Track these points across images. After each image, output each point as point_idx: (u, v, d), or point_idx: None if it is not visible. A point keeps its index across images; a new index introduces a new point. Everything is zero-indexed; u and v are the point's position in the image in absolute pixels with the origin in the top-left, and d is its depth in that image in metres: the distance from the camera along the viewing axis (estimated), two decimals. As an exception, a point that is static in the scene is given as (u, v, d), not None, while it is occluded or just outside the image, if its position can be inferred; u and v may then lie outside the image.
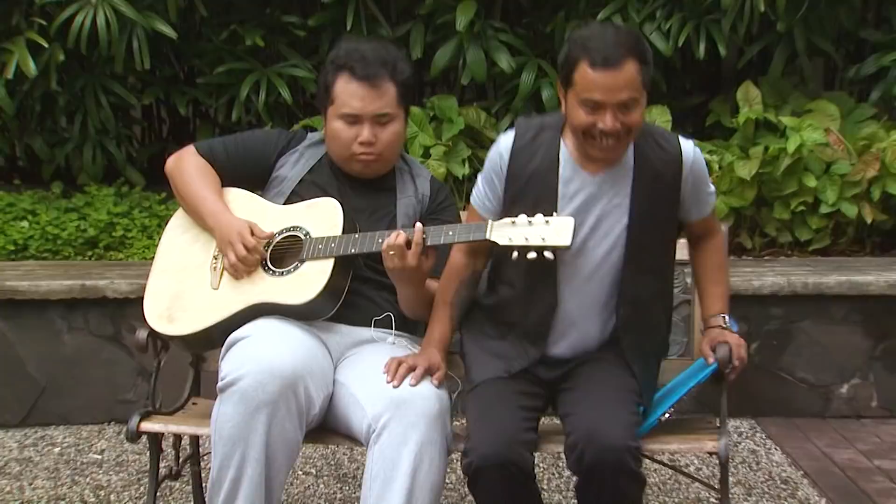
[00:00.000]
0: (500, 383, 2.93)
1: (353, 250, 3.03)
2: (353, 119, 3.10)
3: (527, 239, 2.81)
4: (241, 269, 3.07)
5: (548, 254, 2.77)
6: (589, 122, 2.69)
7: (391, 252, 2.91)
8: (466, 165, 5.35)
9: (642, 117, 2.82)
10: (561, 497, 4.07)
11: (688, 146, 2.92)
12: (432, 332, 3.00)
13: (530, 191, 2.88)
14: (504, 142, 2.94)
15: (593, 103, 2.68)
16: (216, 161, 3.30)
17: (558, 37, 5.78)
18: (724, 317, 2.91)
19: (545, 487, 4.13)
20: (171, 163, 3.36)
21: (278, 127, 5.44)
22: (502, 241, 2.86)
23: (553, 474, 4.22)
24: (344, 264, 3.07)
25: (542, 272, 2.89)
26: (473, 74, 5.58)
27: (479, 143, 5.55)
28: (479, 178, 3.05)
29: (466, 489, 3.29)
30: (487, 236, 2.88)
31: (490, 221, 2.90)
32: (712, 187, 3.07)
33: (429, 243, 2.94)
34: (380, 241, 2.97)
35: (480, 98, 5.96)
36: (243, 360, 2.89)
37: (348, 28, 5.61)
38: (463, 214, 3.31)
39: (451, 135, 5.36)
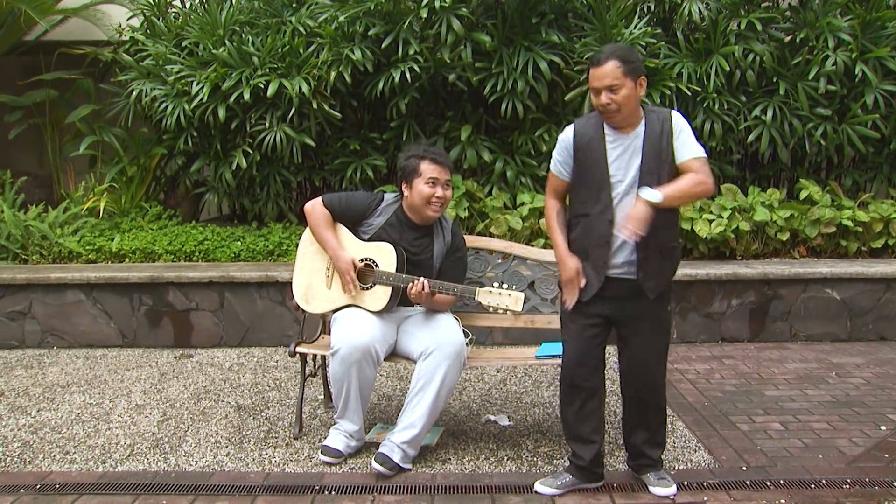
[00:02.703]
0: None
1: (400, 284, 3.64)
2: (434, 182, 3.69)
3: (498, 304, 3.50)
4: (347, 282, 3.70)
5: (510, 310, 3.50)
6: (595, 101, 3.12)
7: (411, 293, 3.60)
8: (466, 211, 6.10)
9: (631, 94, 3.06)
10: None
11: (675, 113, 3.18)
12: (561, 246, 3.25)
13: (591, 151, 3.17)
14: (568, 132, 3.25)
15: (594, 89, 3.11)
16: (332, 210, 3.81)
17: (516, 143, 6.42)
18: (650, 190, 3.00)
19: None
20: (308, 208, 3.85)
21: (365, 189, 6.04)
22: (484, 302, 3.53)
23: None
24: (396, 290, 3.69)
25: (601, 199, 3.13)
26: (470, 163, 6.28)
27: (473, 199, 6.27)
28: (554, 156, 3.30)
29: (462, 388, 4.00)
30: (476, 297, 3.55)
31: (476, 289, 3.54)
32: (699, 147, 3.14)
33: (433, 289, 3.61)
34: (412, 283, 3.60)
35: (473, 175, 6.55)
36: (340, 338, 3.55)
37: (404, 139, 6.36)
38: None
39: (458, 195, 6.10)
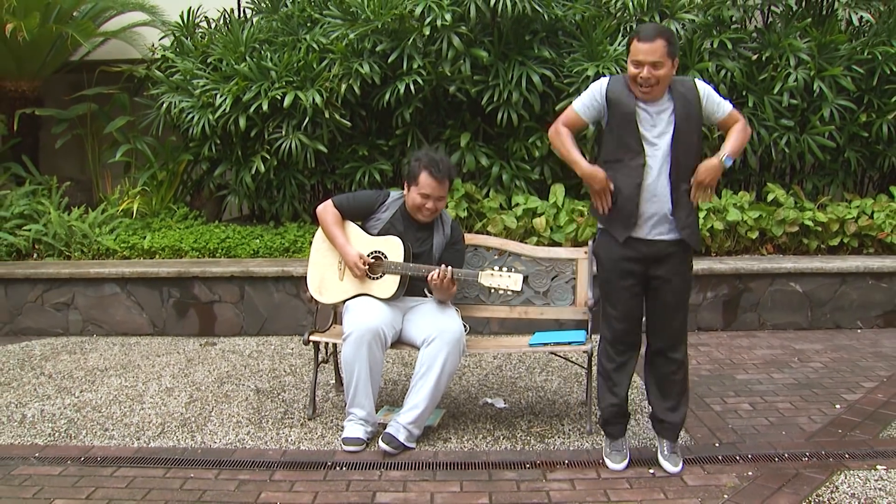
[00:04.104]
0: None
1: (410, 273, 3.62)
2: (426, 196, 3.67)
3: (499, 284, 3.49)
4: (356, 274, 3.69)
5: (510, 290, 3.49)
6: (634, 72, 2.97)
7: (433, 282, 3.56)
8: (465, 211, 6.03)
9: (668, 73, 2.96)
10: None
11: (700, 82, 3.11)
12: (582, 162, 3.13)
13: (622, 107, 3.05)
14: (602, 82, 3.14)
15: (636, 62, 2.96)
16: (341, 209, 3.80)
17: (511, 149, 6.34)
18: (722, 156, 3.02)
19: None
20: (320, 209, 3.83)
21: (374, 189, 5.90)
22: (486, 283, 3.50)
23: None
24: (404, 278, 3.66)
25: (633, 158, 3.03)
26: (469, 167, 6.24)
27: (472, 200, 6.17)
28: (584, 95, 3.16)
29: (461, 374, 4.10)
30: (479, 280, 3.51)
31: (479, 272, 3.49)
32: (727, 102, 3.12)
33: (455, 277, 3.57)
34: (424, 271, 3.57)
35: (472, 178, 6.47)
36: (351, 323, 3.53)
37: (408, 146, 6.30)
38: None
39: (457, 196, 6.06)
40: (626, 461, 3.31)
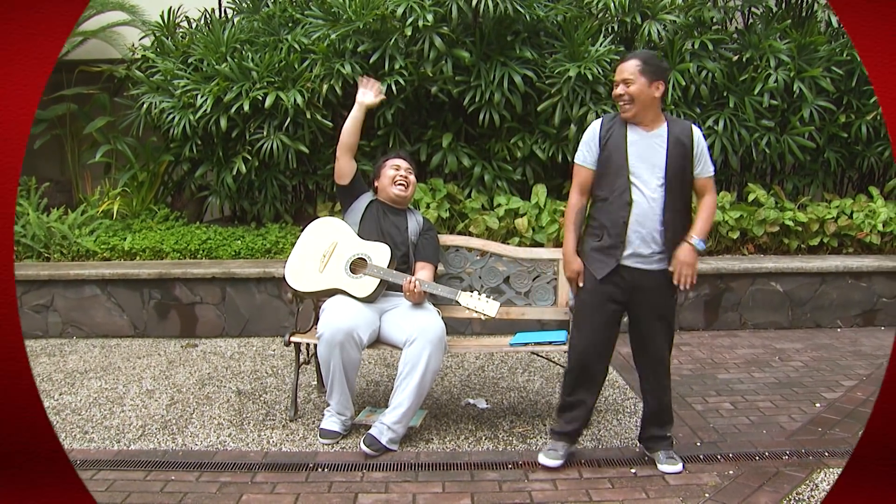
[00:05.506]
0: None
1: (389, 279, 3.68)
2: (397, 167, 3.94)
3: (475, 307, 3.54)
4: (367, 88, 3.94)
5: (485, 314, 3.51)
6: (613, 93, 3.17)
7: (406, 291, 3.64)
8: (447, 212, 6.05)
9: (641, 90, 3.04)
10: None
11: (695, 127, 3.19)
12: (570, 245, 3.20)
13: (613, 140, 3.14)
14: (595, 125, 3.21)
15: (615, 83, 3.15)
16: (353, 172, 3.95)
17: (493, 149, 6.34)
18: (693, 238, 3.09)
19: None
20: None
21: None
22: (462, 301, 3.56)
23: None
24: (382, 283, 3.70)
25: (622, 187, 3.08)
26: (451, 168, 6.23)
27: (454, 201, 6.19)
28: (581, 148, 3.23)
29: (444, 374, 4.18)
30: (456, 298, 3.56)
31: (459, 291, 3.55)
32: (712, 166, 3.20)
33: (424, 289, 3.65)
34: (402, 279, 3.64)
35: (454, 179, 6.49)
36: (325, 323, 3.54)
37: (390, 146, 6.28)
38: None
39: (439, 197, 6.09)
40: (560, 461, 3.33)
